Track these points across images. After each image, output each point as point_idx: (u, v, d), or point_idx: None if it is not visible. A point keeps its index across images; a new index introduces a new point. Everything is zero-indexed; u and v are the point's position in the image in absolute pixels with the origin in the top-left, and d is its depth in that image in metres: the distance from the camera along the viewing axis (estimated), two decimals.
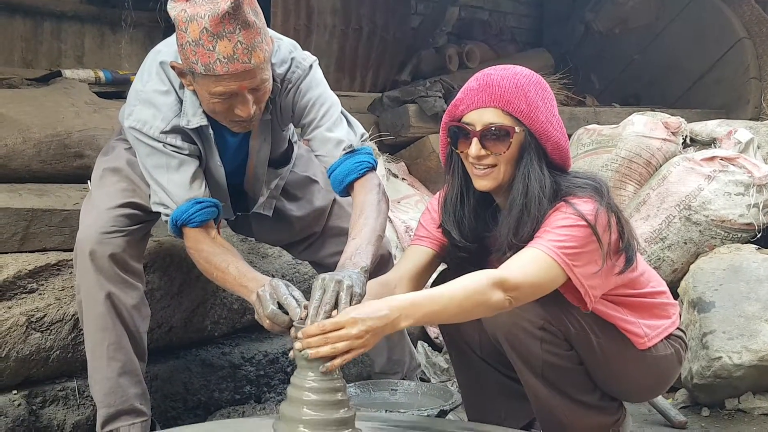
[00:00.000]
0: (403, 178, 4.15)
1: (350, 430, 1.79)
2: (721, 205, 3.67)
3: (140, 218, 2.51)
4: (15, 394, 2.49)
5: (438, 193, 2.41)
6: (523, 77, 2.17)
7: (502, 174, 2.16)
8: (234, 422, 2.47)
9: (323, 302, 1.81)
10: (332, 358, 1.73)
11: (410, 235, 3.69)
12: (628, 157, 4.25)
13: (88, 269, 2.40)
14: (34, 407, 2.52)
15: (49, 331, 2.55)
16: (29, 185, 2.96)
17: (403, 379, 2.92)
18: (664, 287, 2.48)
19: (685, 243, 3.71)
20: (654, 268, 3.66)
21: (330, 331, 1.74)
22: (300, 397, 1.77)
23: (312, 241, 2.88)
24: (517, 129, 2.13)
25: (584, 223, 2.08)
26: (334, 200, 2.82)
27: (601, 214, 2.11)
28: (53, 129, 3.09)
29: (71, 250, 2.70)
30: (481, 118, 2.14)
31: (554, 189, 2.15)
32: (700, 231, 3.68)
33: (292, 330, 1.85)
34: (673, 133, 4.37)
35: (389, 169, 4.42)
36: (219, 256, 2.35)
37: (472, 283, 1.97)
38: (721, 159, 3.76)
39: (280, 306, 1.95)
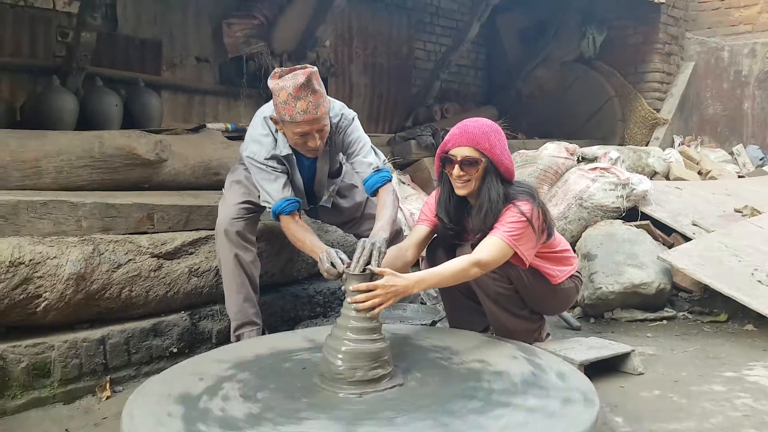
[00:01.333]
0: (408, 184, 4.30)
1: (379, 336, 1.91)
2: (600, 197, 3.76)
3: (253, 210, 2.62)
4: (183, 313, 2.62)
5: (432, 194, 2.50)
6: (487, 126, 2.29)
7: (473, 186, 2.28)
8: (303, 331, 2.54)
9: (362, 255, 1.98)
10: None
11: (413, 219, 3.81)
12: (544, 169, 4.34)
13: (223, 241, 2.54)
14: (194, 321, 2.65)
15: (202, 277, 2.66)
16: (189, 192, 3.08)
17: (410, 303, 3.04)
18: (569, 246, 2.58)
19: (579, 220, 3.80)
20: (561, 234, 3.79)
21: (371, 291, 1.88)
22: (346, 324, 1.90)
23: (354, 222, 2.95)
24: (482, 159, 2.24)
25: (524, 219, 2.21)
26: (367, 198, 2.87)
27: (534, 210, 2.23)
28: (201, 158, 3.22)
29: (213, 229, 2.83)
30: (460, 152, 2.25)
31: (505, 195, 2.26)
32: (588, 212, 3.78)
33: (343, 277, 2.01)
34: (571, 154, 4.46)
35: (400, 179, 4.54)
36: (300, 232, 2.49)
37: (459, 265, 2.14)
38: (601, 169, 3.86)
39: (333, 264, 2.14)
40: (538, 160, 4.44)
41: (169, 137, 3.09)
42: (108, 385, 2.29)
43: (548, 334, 2.71)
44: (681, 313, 3.41)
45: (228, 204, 2.61)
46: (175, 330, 2.54)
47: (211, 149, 3.29)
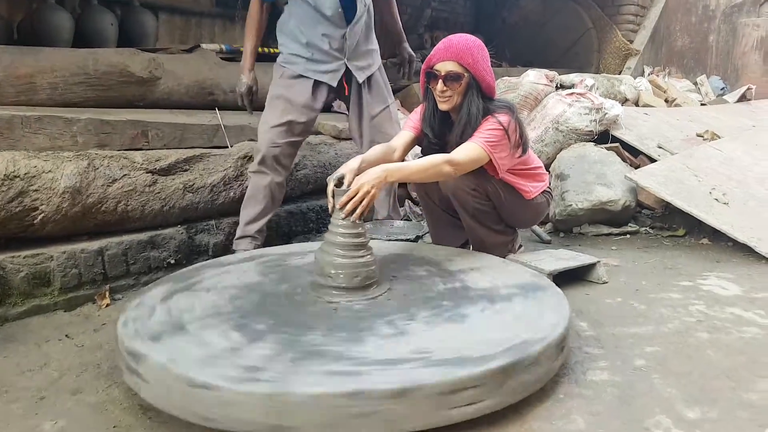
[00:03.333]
0: (398, 108, 4.02)
1: (366, 250, 1.78)
2: (575, 121, 3.57)
3: (293, 130, 2.45)
4: (179, 227, 2.48)
5: (418, 107, 2.31)
6: (471, 41, 2.11)
7: (455, 101, 2.11)
8: (297, 245, 2.44)
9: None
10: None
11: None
12: (525, 95, 4.11)
13: (258, 166, 2.45)
14: (190, 234, 2.51)
15: (196, 193, 2.50)
16: (183, 110, 2.87)
17: (397, 220, 2.91)
18: (541, 164, 2.46)
19: (555, 143, 3.63)
20: (537, 156, 3.62)
21: (353, 197, 1.72)
22: (336, 231, 1.75)
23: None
24: (465, 74, 2.06)
25: (501, 128, 2.05)
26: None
27: (512, 123, 2.09)
28: (195, 78, 2.98)
29: (209, 147, 2.65)
30: (444, 67, 2.07)
31: (485, 109, 2.09)
32: (563, 135, 3.60)
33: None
34: (551, 81, 4.22)
35: None
36: (248, 28, 2.53)
37: (433, 160, 1.96)
38: (577, 94, 3.64)
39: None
40: (520, 86, 4.21)
41: (163, 56, 2.84)
42: (107, 294, 2.18)
43: (521, 246, 2.62)
44: (643, 228, 3.31)
45: (267, 125, 2.45)
46: (171, 243, 2.41)
47: (205, 69, 3.04)
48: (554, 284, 1.89)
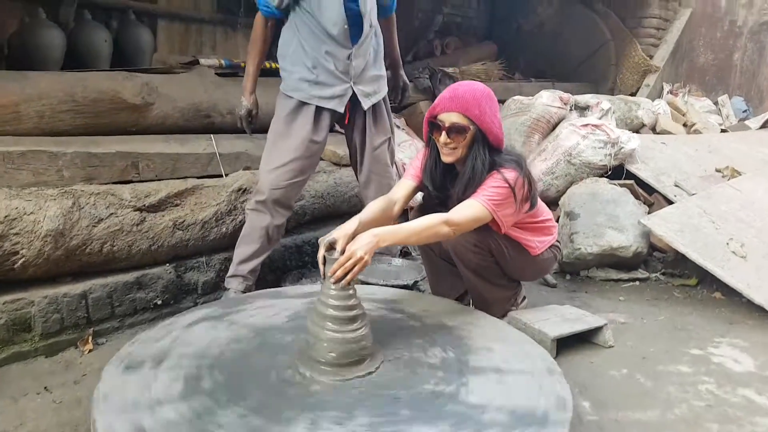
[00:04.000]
0: (402, 128, 3.92)
1: (360, 321, 1.69)
2: (589, 154, 3.46)
3: (299, 170, 2.38)
4: (167, 266, 2.39)
5: (421, 151, 2.21)
6: (478, 91, 1.99)
7: (460, 154, 2.01)
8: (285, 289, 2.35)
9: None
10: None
11: (404, 168, 3.51)
12: (537, 118, 4.01)
13: (257, 207, 2.38)
14: (179, 273, 2.43)
15: (187, 230, 2.41)
16: (177, 136, 2.75)
17: (395, 257, 2.83)
18: (551, 215, 2.35)
19: (566, 176, 3.53)
20: (546, 190, 3.53)
21: (344, 263, 1.63)
22: (327, 302, 1.67)
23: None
24: (471, 127, 1.96)
25: (507, 185, 1.96)
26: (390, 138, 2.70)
27: (519, 179, 2.00)
28: (191, 100, 2.86)
29: (202, 177, 2.56)
30: (448, 118, 1.97)
31: (491, 163, 2.00)
32: (575, 169, 3.50)
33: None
34: (565, 104, 4.11)
35: (395, 123, 4.16)
36: (254, 43, 2.45)
37: (429, 221, 1.88)
38: (592, 126, 3.51)
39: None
40: (532, 108, 4.10)
41: (157, 78, 2.74)
42: (90, 339, 2.11)
43: (524, 298, 2.53)
44: (654, 275, 3.22)
45: (269, 166, 2.37)
46: (159, 282, 2.33)
47: (201, 90, 2.93)
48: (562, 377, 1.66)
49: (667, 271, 3.26)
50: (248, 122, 2.48)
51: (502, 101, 4.70)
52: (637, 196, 3.46)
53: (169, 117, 2.74)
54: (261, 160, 2.42)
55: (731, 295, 2.91)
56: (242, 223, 2.57)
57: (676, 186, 3.57)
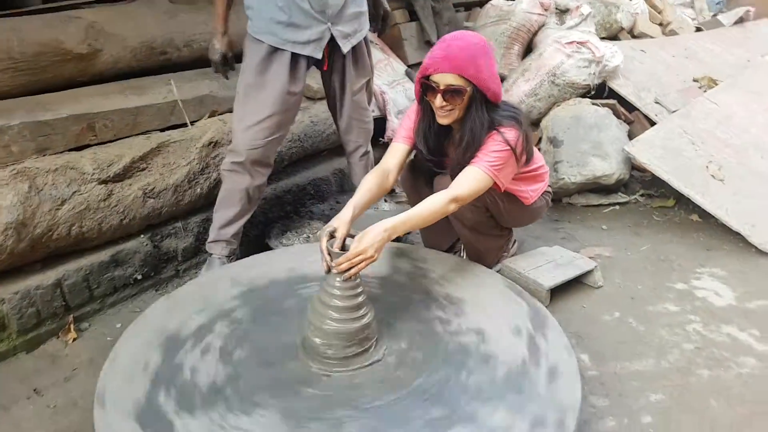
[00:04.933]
0: (376, 44, 3.64)
1: (365, 309, 1.67)
2: (573, 74, 3.34)
3: (275, 126, 2.20)
4: (142, 237, 2.26)
5: (411, 109, 2.09)
6: (473, 47, 1.84)
7: (456, 115, 1.90)
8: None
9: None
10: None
11: (383, 98, 3.34)
12: (517, 27, 3.85)
13: (234, 169, 2.23)
14: (155, 243, 2.30)
15: (159, 197, 2.26)
16: (132, 82, 2.47)
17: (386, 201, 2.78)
18: (543, 162, 2.31)
19: (549, 97, 3.42)
20: (528, 112, 3.45)
21: (352, 259, 1.58)
22: (332, 292, 1.63)
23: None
24: (467, 88, 1.83)
25: (509, 148, 1.89)
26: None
27: (520, 139, 1.91)
28: (143, 37, 2.53)
29: (165, 129, 2.38)
30: (443, 79, 1.83)
31: (490, 122, 1.90)
32: (558, 90, 3.38)
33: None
34: (545, 10, 3.92)
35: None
36: None
37: (436, 204, 1.81)
38: (577, 43, 3.36)
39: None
40: (512, 16, 3.92)
41: (102, 15, 2.40)
42: (71, 326, 2.02)
43: (515, 242, 2.56)
44: (633, 197, 3.28)
45: (243, 124, 2.18)
46: (136, 257, 2.22)
47: (152, 24, 2.61)
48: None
49: (646, 193, 3.33)
50: (224, 68, 2.27)
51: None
52: (618, 115, 3.43)
53: (120, 59, 2.46)
54: (234, 115, 2.24)
55: (708, 216, 3.00)
56: (217, 181, 2.43)
57: (657, 103, 3.54)
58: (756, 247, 2.72)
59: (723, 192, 2.93)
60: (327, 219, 2.92)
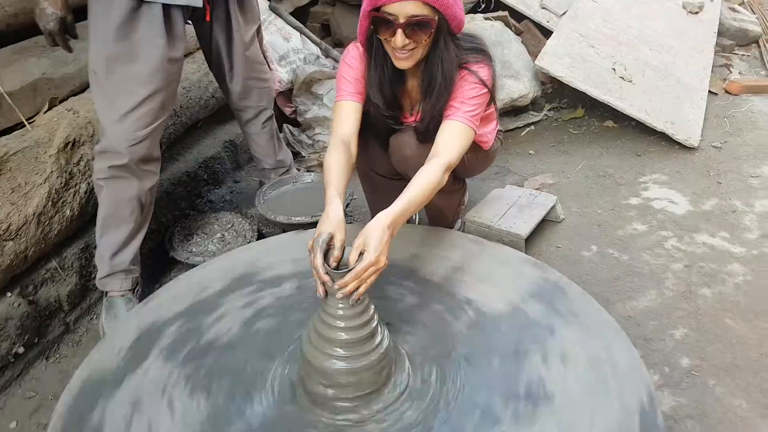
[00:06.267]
0: None
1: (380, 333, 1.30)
2: None
3: (156, 108, 1.67)
4: (9, 295, 1.62)
5: (349, 51, 1.66)
6: None
7: (420, 55, 1.52)
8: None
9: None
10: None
11: (273, 48, 2.79)
12: None
13: (119, 172, 1.68)
14: (29, 298, 1.67)
15: (20, 236, 1.61)
16: None
17: (288, 170, 2.35)
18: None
19: None
20: None
21: (361, 275, 1.20)
22: (335, 324, 1.24)
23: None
24: (435, 18, 1.45)
25: (486, 90, 1.58)
26: None
27: (493, 76, 1.61)
28: None
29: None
30: (403, 9, 1.42)
31: (458, 59, 1.56)
32: None
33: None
34: None
35: None
36: None
37: (432, 180, 1.45)
38: None
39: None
40: None
41: None
42: None
43: (465, 190, 2.32)
44: (543, 114, 3.18)
45: (115, 113, 1.62)
46: (9, 324, 1.59)
47: None
48: None
49: (554, 106, 3.25)
50: (64, 38, 1.62)
51: None
52: (508, 25, 3.25)
53: None
54: (96, 103, 1.63)
55: (621, 119, 3.01)
56: (89, 193, 1.83)
57: (543, 9, 3.42)
58: (680, 143, 2.77)
59: (635, 93, 2.93)
60: (229, 205, 2.42)
